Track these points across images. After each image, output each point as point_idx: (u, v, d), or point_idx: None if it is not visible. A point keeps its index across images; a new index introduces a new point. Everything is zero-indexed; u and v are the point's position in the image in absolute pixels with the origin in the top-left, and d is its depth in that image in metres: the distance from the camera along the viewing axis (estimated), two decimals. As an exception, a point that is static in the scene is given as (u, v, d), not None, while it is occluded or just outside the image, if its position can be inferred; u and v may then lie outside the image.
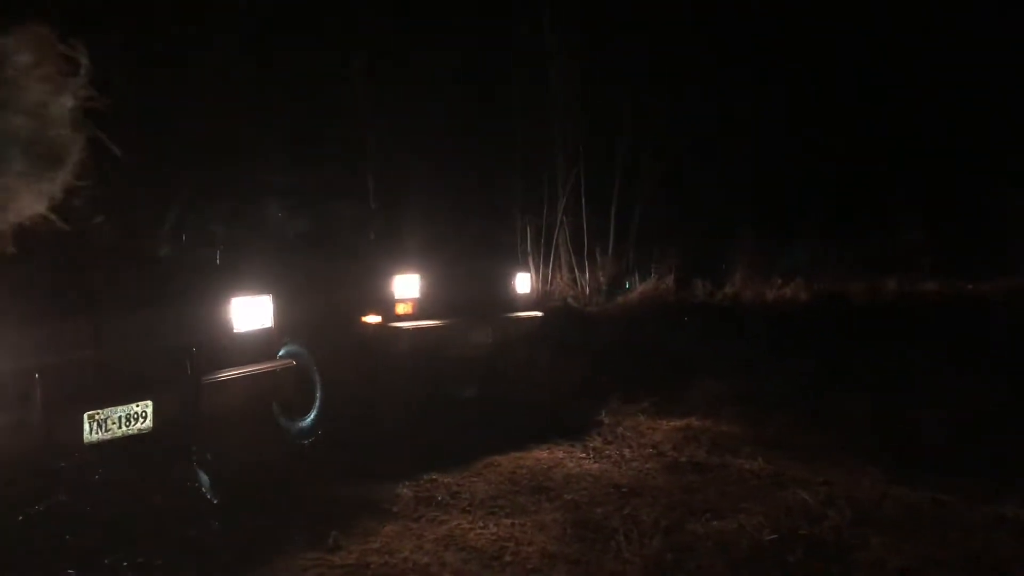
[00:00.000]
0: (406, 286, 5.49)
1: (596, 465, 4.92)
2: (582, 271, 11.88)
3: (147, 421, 3.50)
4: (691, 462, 4.93)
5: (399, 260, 5.72)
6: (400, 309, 5.42)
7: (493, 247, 9.79)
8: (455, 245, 6.89)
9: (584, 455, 5.11)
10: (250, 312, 4.04)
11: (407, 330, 5.34)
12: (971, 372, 7.04)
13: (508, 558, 3.52)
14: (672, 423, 5.71)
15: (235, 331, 3.96)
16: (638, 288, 11.67)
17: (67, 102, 2.91)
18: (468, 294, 5.90)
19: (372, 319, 5.37)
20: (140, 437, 3.48)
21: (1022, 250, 13.43)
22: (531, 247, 11.89)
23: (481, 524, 3.92)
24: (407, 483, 4.43)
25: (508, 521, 3.95)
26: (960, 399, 6.21)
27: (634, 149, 12.57)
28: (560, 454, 5.10)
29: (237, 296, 3.98)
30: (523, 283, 6.50)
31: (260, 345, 4.09)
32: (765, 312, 11.16)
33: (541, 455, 5.05)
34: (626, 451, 5.17)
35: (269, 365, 4.08)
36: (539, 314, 6.43)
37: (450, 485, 4.46)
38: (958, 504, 4.12)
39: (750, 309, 11.35)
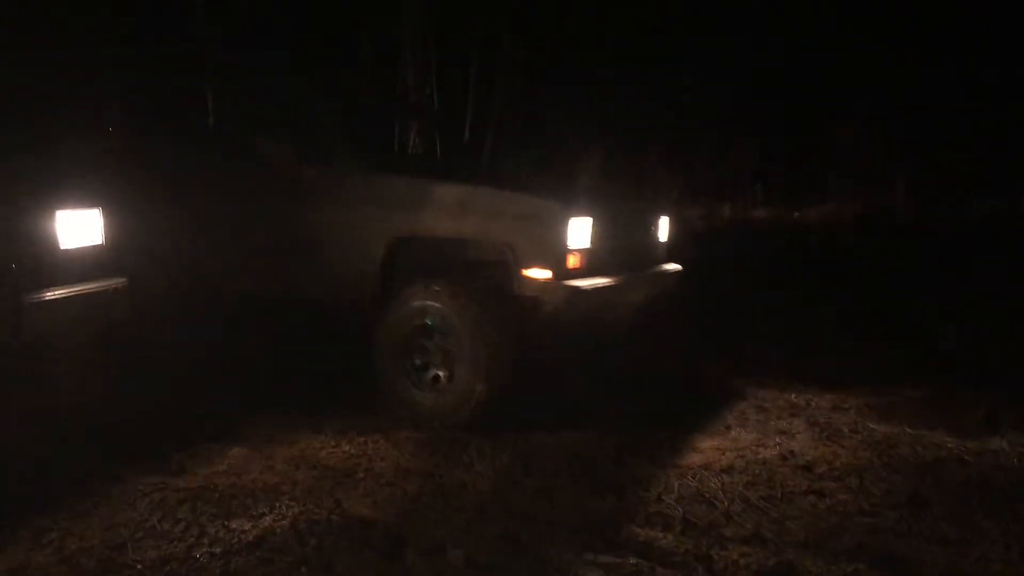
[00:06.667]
0: (579, 233, 4.24)
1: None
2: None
3: (-40, 345, 3.20)
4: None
5: (572, 198, 4.44)
6: (571, 262, 4.20)
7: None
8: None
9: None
10: (77, 227, 3.72)
11: (586, 290, 4.16)
12: (794, 293, 7.67)
13: (361, 474, 3.54)
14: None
15: (61, 248, 3.65)
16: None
17: None
18: (626, 243, 4.76)
19: (539, 274, 4.16)
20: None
21: (841, 177, 14.54)
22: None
23: (333, 443, 3.91)
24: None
25: (361, 439, 3.96)
26: (787, 319, 6.82)
27: (489, 67, 12.41)
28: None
29: (62, 209, 3.65)
30: (663, 229, 5.32)
31: (90, 263, 3.80)
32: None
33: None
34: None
35: (100, 284, 3.80)
36: (679, 268, 5.38)
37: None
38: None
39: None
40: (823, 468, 3.73)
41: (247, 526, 2.98)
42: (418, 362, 4.26)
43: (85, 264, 3.73)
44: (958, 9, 13.75)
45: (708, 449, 3.97)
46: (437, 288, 4.15)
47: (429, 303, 4.16)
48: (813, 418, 4.48)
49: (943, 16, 13.97)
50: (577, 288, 4.12)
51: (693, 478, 3.57)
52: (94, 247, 3.78)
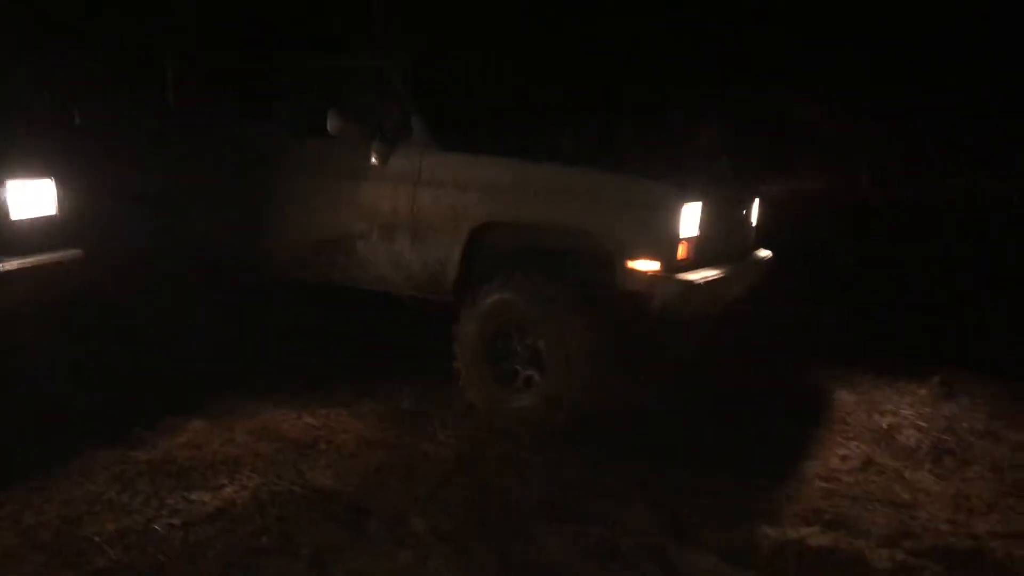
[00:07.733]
0: (690, 219, 3.72)
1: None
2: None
3: (-91, 317, 3.13)
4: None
5: (684, 180, 3.84)
6: (681, 252, 3.69)
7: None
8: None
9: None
10: (29, 197, 3.63)
11: (699, 284, 3.66)
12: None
13: (323, 446, 3.53)
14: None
15: (12, 218, 3.56)
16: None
17: None
18: (727, 229, 4.26)
19: (646, 266, 3.62)
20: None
21: (803, 154, 14.64)
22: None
23: (295, 416, 3.88)
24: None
25: (324, 411, 3.94)
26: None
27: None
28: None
29: (13, 179, 3.56)
30: (756, 211, 4.79)
31: (43, 234, 3.71)
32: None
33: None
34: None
35: (55, 256, 3.72)
36: (770, 254, 4.84)
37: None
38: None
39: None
40: (781, 436, 3.80)
41: (207, 497, 2.97)
42: (504, 362, 3.89)
43: (38, 235, 3.65)
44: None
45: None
46: (525, 280, 3.77)
47: (516, 297, 3.77)
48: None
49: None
50: (690, 282, 3.62)
51: (662, 451, 3.61)
52: (47, 218, 3.70)
